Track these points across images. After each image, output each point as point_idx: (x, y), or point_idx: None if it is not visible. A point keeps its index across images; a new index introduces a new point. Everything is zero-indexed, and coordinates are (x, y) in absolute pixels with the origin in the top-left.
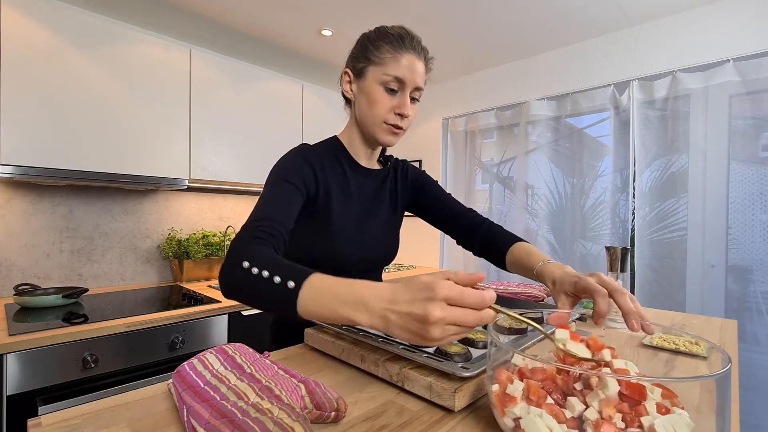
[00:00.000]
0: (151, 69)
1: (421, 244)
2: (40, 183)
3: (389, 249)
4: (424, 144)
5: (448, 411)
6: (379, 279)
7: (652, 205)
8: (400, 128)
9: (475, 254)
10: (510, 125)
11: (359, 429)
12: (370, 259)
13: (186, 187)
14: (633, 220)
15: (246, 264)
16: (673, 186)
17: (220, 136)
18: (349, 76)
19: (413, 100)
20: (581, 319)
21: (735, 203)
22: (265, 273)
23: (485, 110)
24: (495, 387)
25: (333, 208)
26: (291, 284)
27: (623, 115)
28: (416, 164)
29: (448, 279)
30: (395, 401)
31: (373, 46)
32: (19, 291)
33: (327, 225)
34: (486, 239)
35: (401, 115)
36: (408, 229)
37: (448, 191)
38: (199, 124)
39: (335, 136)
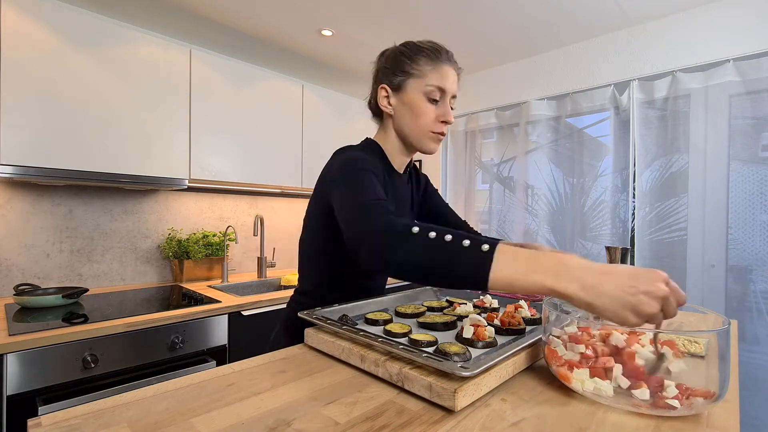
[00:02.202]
0: (151, 69)
1: None
2: (40, 183)
3: None
4: None
5: (448, 411)
6: (385, 280)
7: (652, 205)
8: (443, 135)
9: None
10: (510, 125)
11: (359, 429)
12: None
13: (186, 187)
14: (633, 220)
15: (416, 229)
16: (673, 186)
17: (220, 136)
18: (387, 91)
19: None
20: (598, 318)
21: (735, 203)
22: (448, 237)
23: (485, 110)
24: (554, 368)
25: None
26: (485, 247)
27: (623, 115)
28: (416, 165)
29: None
30: (395, 401)
31: (410, 60)
32: (19, 291)
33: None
34: None
35: (445, 122)
36: None
37: (448, 191)
38: (199, 124)
39: (375, 141)
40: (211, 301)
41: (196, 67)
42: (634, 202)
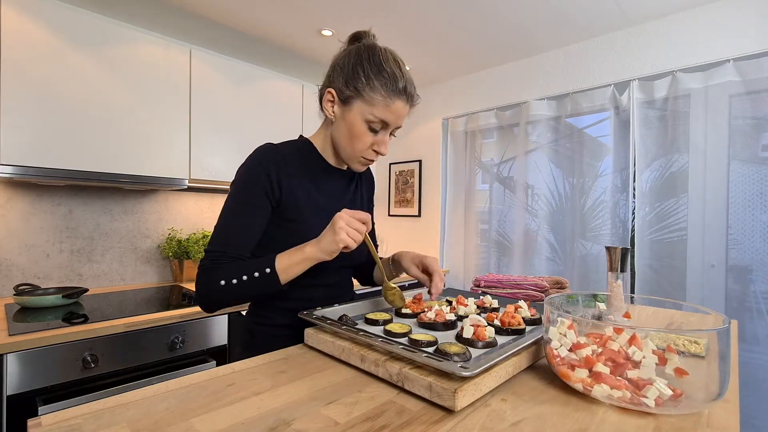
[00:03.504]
0: (151, 69)
1: (420, 244)
2: (40, 183)
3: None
4: (424, 144)
5: (448, 411)
6: (357, 273)
7: (652, 205)
8: (373, 161)
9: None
10: (510, 125)
11: (359, 429)
12: (346, 255)
13: (186, 187)
14: (633, 220)
15: (223, 282)
16: (673, 186)
17: (220, 136)
18: (333, 97)
19: (390, 135)
20: (598, 318)
21: (735, 203)
22: (244, 277)
23: (485, 110)
24: (555, 367)
25: (302, 207)
26: (268, 270)
27: (623, 115)
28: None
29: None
30: (395, 401)
31: (366, 79)
32: (19, 291)
33: (301, 222)
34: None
35: (377, 152)
36: (408, 229)
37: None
38: (199, 124)
39: (305, 138)
40: None
41: (196, 67)
42: (634, 202)
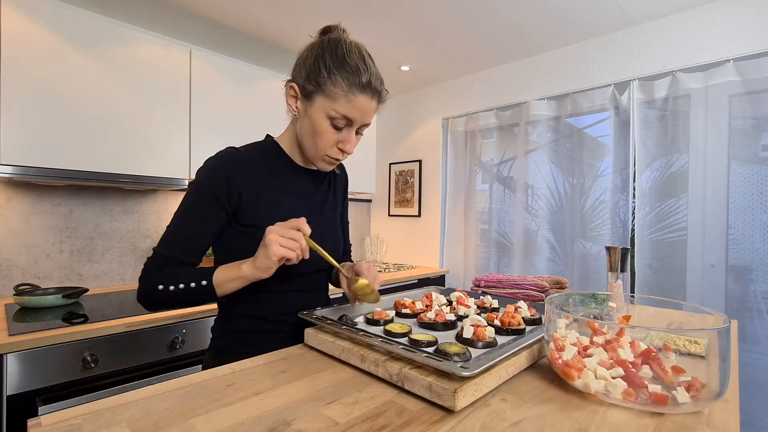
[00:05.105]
0: (151, 69)
1: (420, 244)
2: (40, 183)
3: (337, 244)
4: (424, 144)
5: (448, 411)
6: (328, 277)
7: (652, 205)
8: (339, 160)
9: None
10: (510, 125)
11: (359, 429)
12: (307, 261)
13: (186, 187)
14: (633, 220)
15: (161, 287)
16: (673, 186)
17: (220, 136)
18: (295, 92)
19: (358, 133)
20: (598, 318)
21: (735, 203)
22: (181, 285)
23: (485, 110)
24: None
25: (263, 212)
26: (204, 283)
27: (623, 115)
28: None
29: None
30: (395, 401)
31: (327, 73)
32: (19, 291)
33: (263, 228)
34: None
35: (343, 150)
36: (407, 229)
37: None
38: (199, 124)
39: (272, 138)
40: None
41: (196, 67)
42: (634, 202)
